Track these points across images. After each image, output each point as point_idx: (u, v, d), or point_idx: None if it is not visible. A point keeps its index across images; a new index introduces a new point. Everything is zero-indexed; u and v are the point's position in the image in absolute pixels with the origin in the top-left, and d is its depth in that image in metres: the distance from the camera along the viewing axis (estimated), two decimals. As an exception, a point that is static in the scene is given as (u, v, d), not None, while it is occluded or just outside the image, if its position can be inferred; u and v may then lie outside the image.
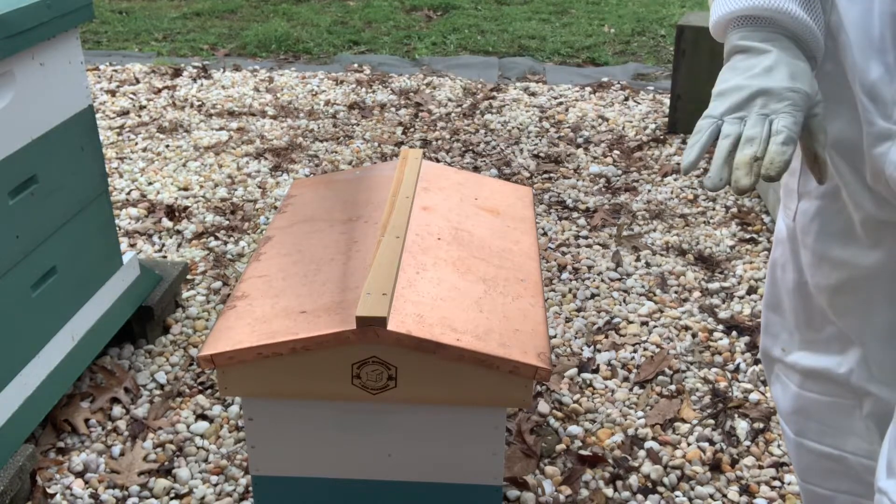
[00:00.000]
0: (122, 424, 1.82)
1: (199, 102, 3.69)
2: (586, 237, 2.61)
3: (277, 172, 3.03)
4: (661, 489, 1.68)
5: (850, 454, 0.96)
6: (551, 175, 3.03)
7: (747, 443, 1.79)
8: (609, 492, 1.67)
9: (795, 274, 0.95)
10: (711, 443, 1.79)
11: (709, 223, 2.69)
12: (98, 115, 3.47)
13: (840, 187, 0.84)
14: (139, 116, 3.52)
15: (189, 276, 2.36)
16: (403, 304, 1.23)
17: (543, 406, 1.88)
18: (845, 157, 0.82)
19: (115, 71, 4.06)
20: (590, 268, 2.44)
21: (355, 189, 1.67)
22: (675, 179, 2.99)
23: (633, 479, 1.69)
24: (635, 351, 2.08)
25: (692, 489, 1.68)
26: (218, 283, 2.34)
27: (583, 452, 1.75)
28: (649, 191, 2.91)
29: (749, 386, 1.95)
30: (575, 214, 2.74)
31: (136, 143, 3.25)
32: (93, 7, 1.79)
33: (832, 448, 0.98)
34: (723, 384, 1.96)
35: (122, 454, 1.74)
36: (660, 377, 1.98)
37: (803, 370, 0.98)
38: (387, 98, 3.78)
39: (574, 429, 1.82)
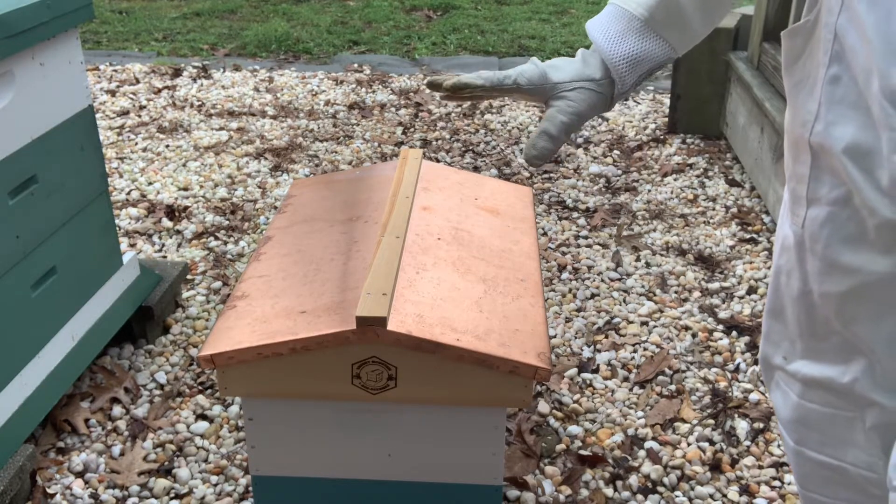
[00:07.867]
0: (122, 424, 1.82)
1: (199, 102, 3.69)
2: (586, 237, 2.61)
3: (277, 172, 3.03)
4: (661, 489, 1.68)
5: (851, 465, 0.95)
6: (551, 175, 3.03)
7: (747, 443, 1.79)
8: (609, 492, 1.67)
9: (800, 283, 0.93)
10: (711, 443, 1.79)
11: (709, 223, 2.69)
12: (98, 115, 3.47)
13: (852, 193, 0.82)
14: (139, 116, 3.52)
15: (189, 276, 2.36)
16: (403, 304, 1.23)
17: (543, 406, 1.88)
18: (858, 163, 0.80)
19: (115, 71, 4.06)
20: (590, 268, 2.44)
21: (355, 189, 1.67)
22: (675, 179, 2.99)
23: (633, 479, 1.69)
24: (635, 351, 2.08)
25: (692, 489, 1.68)
26: (218, 283, 2.34)
27: (583, 452, 1.75)
28: (649, 191, 2.91)
29: (749, 386, 1.95)
30: (575, 214, 2.74)
31: (136, 143, 3.25)
32: (93, 7, 1.79)
33: (832, 458, 0.97)
34: (723, 384, 1.96)
35: (122, 454, 1.74)
36: (660, 377, 1.98)
37: (804, 379, 0.97)
38: (387, 98, 3.78)
39: (574, 429, 1.82)
